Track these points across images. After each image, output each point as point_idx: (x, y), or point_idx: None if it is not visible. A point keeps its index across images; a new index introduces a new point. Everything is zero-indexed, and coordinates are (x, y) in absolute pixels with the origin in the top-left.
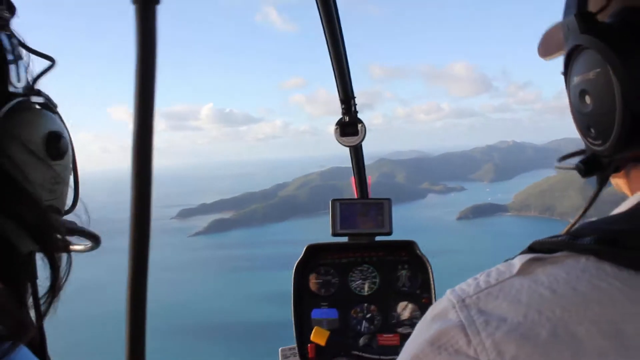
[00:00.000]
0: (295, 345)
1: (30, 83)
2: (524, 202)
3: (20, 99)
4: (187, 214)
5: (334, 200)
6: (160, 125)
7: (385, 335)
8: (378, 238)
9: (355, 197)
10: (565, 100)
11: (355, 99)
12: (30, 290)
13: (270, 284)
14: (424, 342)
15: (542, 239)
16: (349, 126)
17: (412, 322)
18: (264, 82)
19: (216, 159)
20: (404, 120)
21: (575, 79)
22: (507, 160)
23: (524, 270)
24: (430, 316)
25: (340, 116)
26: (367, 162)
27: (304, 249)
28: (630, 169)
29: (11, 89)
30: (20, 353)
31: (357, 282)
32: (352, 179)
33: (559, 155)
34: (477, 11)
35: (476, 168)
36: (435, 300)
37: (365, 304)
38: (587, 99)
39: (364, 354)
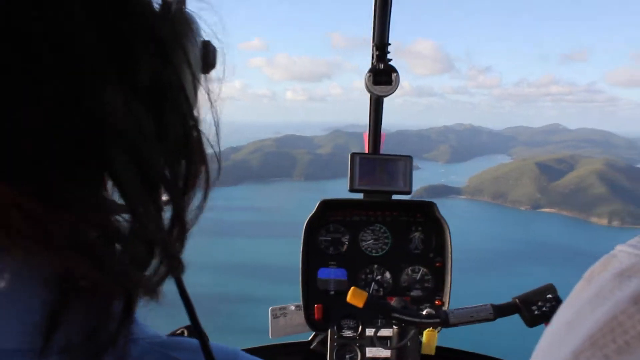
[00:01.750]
0: (285, 305)
1: None
2: (477, 186)
3: None
4: None
5: (353, 154)
6: None
7: (395, 299)
8: (395, 197)
9: (366, 151)
10: (523, 89)
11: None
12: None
13: (218, 253)
14: (622, 301)
15: None
16: (383, 74)
17: (423, 286)
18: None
19: None
20: (361, 93)
21: None
22: (463, 143)
23: None
24: (612, 274)
25: (371, 63)
26: (321, 132)
27: (318, 203)
28: None
29: None
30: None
31: (368, 242)
32: (365, 134)
33: (514, 141)
34: None
35: (431, 148)
36: (450, 264)
37: (376, 265)
38: None
39: (372, 317)
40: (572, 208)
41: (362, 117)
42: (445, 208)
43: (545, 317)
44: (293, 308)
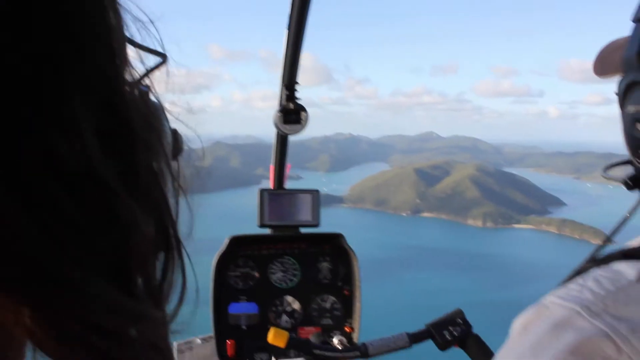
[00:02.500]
0: (190, 339)
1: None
2: (359, 194)
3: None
4: None
5: (262, 190)
6: None
7: (306, 328)
8: (304, 230)
9: (271, 186)
10: (398, 99)
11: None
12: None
13: None
14: (561, 353)
15: (634, 247)
16: (293, 114)
17: (332, 314)
18: None
19: None
20: (242, 105)
21: (631, 108)
22: (343, 152)
23: None
24: (548, 326)
25: (281, 103)
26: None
27: (227, 240)
28: None
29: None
30: None
31: (277, 275)
32: (271, 167)
33: (392, 149)
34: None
35: (312, 158)
36: (359, 292)
37: (286, 297)
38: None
39: (285, 350)
40: (450, 212)
41: (243, 129)
42: (330, 217)
43: (456, 341)
44: (199, 341)
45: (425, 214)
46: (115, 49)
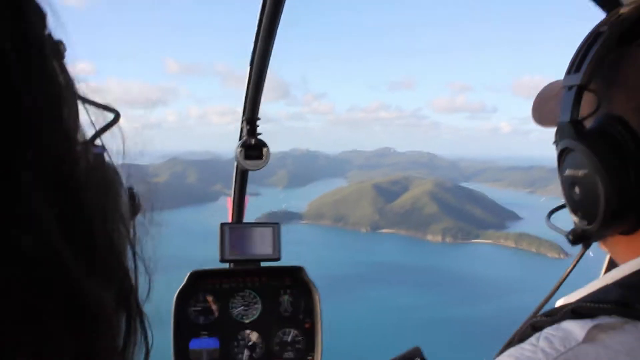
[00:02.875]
0: None
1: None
2: (318, 210)
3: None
4: None
5: (223, 224)
6: None
7: None
8: (265, 263)
9: (229, 219)
10: (355, 114)
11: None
12: None
13: None
14: None
15: (583, 304)
16: (254, 149)
17: (294, 348)
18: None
19: None
20: (198, 120)
21: (567, 172)
22: (301, 168)
23: (590, 338)
24: None
25: (242, 137)
26: (158, 160)
27: (187, 275)
28: (613, 239)
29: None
30: None
31: (238, 309)
32: (229, 200)
33: (349, 165)
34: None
35: (270, 174)
36: (319, 325)
37: (247, 332)
38: (577, 190)
39: None
40: (409, 227)
41: (200, 144)
42: (289, 234)
43: None
44: None
45: (385, 230)
46: (68, 124)
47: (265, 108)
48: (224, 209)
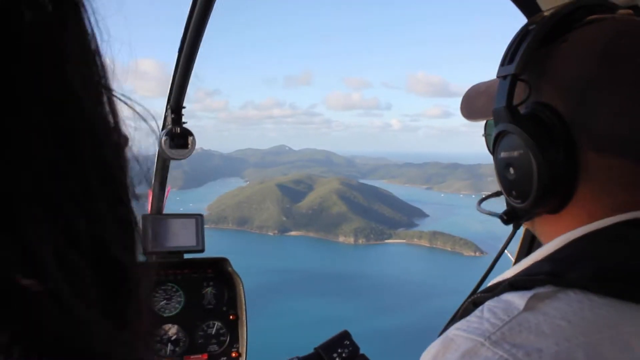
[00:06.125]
0: None
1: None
2: (221, 213)
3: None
4: None
5: (145, 216)
6: None
7: (192, 357)
8: (188, 255)
9: (149, 211)
10: (248, 112)
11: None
12: None
13: None
14: None
15: (519, 278)
16: (180, 137)
17: (219, 340)
18: None
19: None
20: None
21: (502, 154)
22: (196, 168)
23: (530, 307)
24: (456, 357)
25: (165, 125)
26: None
27: None
28: (540, 219)
29: None
30: None
31: (160, 302)
32: (149, 191)
33: (245, 164)
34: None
35: None
36: (244, 316)
37: (168, 326)
38: (511, 170)
39: None
40: (319, 229)
41: None
42: None
43: None
44: None
45: (293, 233)
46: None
47: (150, 105)
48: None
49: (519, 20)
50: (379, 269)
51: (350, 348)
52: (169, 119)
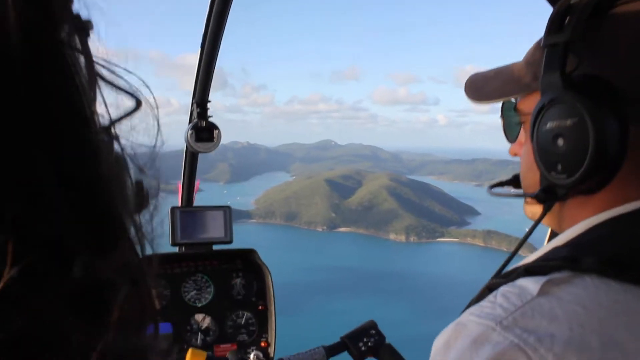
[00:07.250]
0: None
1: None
2: (268, 208)
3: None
4: None
5: (173, 208)
6: None
7: (222, 346)
8: (217, 247)
9: (179, 204)
10: (293, 107)
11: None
12: None
13: None
14: None
15: (535, 263)
16: (205, 131)
17: (248, 330)
18: None
19: None
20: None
21: (550, 124)
22: (242, 161)
23: (544, 291)
24: (467, 342)
25: (191, 119)
26: None
27: None
28: (570, 201)
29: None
30: None
31: (190, 293)
32: (179, 184)
33: (291, 158)
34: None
35: (210, 168)
36: (273, 307)
37: (200, 316)
38: (560, 141)
39: None
40: (368, 226)
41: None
42: (240, 235)
43: (371, 351)
44: None
45: (342, 229)
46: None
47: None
48: (166, 207)
49: None
50: (433, 268)
51: (377, 337)
52: (195, 113)
